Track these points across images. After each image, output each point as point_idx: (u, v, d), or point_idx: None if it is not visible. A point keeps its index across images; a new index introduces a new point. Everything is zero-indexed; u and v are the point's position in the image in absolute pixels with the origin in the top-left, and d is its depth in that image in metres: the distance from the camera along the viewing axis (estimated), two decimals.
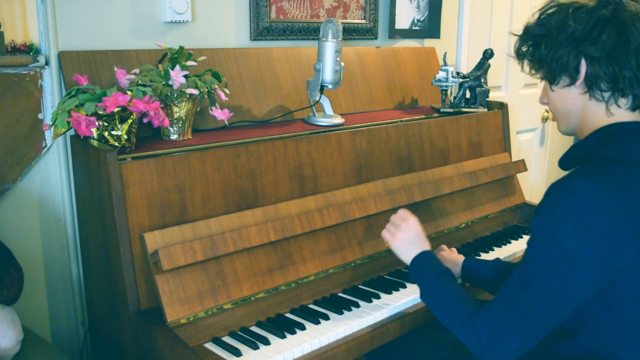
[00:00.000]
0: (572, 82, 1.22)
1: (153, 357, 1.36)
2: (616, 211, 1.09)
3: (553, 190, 1.15)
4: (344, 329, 1.45)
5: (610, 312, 1.16)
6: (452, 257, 1.69)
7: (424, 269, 1.44)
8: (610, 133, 1.20)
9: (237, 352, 1.34)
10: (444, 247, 1.78)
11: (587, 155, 1.22)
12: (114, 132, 1.43)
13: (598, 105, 1.22)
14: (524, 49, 1.30)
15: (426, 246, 1.52)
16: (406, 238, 1.51)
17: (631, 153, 1.15)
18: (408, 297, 1.61)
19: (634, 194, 1.11)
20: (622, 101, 1.20)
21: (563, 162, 1.30)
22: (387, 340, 1.52)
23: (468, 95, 2.29)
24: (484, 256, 1.94)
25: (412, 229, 1.53)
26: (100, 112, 1.41)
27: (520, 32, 1.31)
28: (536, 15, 1.28)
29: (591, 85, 1.20)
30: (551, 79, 1.26)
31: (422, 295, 1.41)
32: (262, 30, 2.04)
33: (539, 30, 1.24)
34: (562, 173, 1.23)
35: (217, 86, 1.59)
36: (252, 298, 1.48)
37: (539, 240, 1.15)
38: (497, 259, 1.64)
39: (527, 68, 1.32)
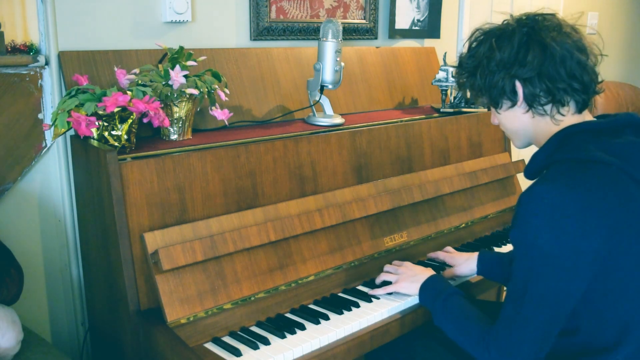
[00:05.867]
0: (514, 103, 1.29)
1: (153, 357, 1.36)
2: (583, 207, 1.12)
3: (522, 200, 1.19)
4: (344, 329, 1.45)
5: (599, 308, 1.19)
6: (465, 254, 1.73)
7: (433, 292, 1.49)
8: (563, 137, 1.25)
9: (237, 352, 1.34)
10: (450, 248, 1.80)
11: (547, 161, 1.27)
12: (114, 132, 1.43)
13: (544, 118, 1.28)
14: (463, 80, 1.37)
15: (431, 273, 1.58)
16: (409, 277, 1.58)
17: (585, 151, 1.19)
18: (408, 297, 1.61)
19: (595, 189, 1.14)
20: (564, 109, 1.25)
21: (528, 172, 1.35)
22: (387, 341, 1.52)
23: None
24: None
25: (412, 267, 1.62)
26: (100, 112, 1.41)
27: (456, 64, 1.39)
28: (466, 46, 1.35)
29: (531, 103, 1.26)
30: (494, 104, 1.33)
31: (435, 319, 1.44)
32: (262, 30, 2.04)
33: (471, 62, 1.32)
34: None
35: (217, 86, 1.59)
36: (252, 298, 1.48)
37: (520, 251, 1.20)
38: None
39: (470, 96, 1.39)
